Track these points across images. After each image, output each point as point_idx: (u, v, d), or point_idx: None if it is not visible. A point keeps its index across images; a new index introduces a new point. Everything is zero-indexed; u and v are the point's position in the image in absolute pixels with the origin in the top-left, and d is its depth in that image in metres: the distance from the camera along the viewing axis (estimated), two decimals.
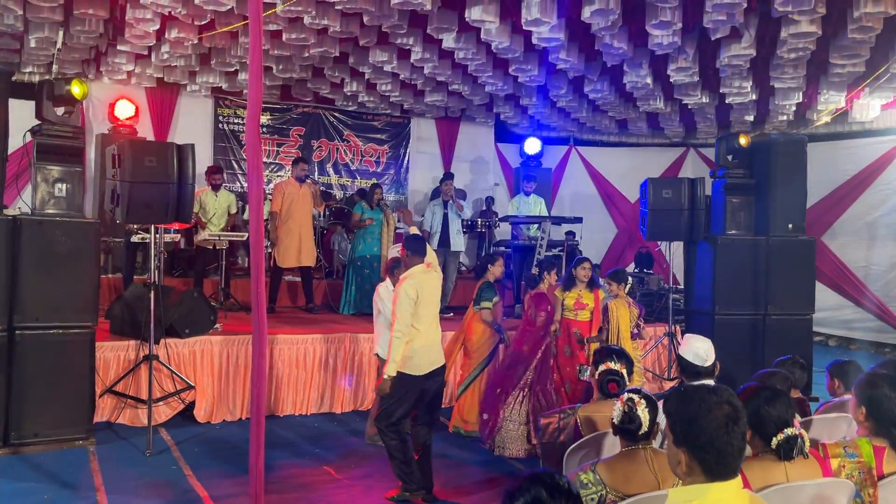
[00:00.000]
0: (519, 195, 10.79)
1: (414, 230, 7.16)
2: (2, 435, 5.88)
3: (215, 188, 9.67)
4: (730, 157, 8.22)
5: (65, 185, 6.25)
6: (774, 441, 2.81)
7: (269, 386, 7.21)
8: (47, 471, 5.61)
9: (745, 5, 7.08)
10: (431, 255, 5.51)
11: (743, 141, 7.99)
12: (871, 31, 7.66)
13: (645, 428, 3.03)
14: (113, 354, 6.76)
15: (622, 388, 3.89)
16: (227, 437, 6.70)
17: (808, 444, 2.86)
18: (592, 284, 6.98)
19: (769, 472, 2.80)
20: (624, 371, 4.08)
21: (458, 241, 9.95)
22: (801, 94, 10.43)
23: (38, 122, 6.22)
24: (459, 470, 6.05)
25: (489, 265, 7.09)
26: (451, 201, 9.89)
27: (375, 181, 12.44)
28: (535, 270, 8.01)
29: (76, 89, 6.06)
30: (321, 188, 11.11)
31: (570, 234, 11.70)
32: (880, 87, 10.15)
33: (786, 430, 2.80)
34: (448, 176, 10.43)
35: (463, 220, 10.23)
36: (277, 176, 12.59)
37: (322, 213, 10.93)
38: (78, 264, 6.10)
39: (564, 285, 7.01)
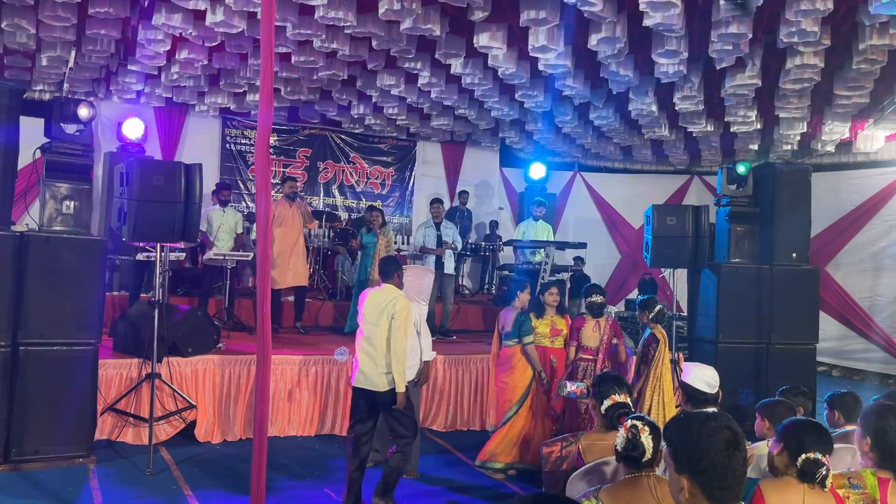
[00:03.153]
0: (528, 220, 10.79)
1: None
2: (2, 451, 5.86)
3: (223, 204, 9.70)
4: (734, 186, 8.26)
5: (73, 202, 6.29)
6: (801, 458, 2.83)
7: (271, 407, 7.19)
8: (47, 488, 5.59)
9: (751, 36, 7.14)
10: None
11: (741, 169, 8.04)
12: (877, 63, 7.72)
13: (648, 455, 3.02)
14: (115, 372, 6.75)
15: None
16: (228, 457, 6.67)
17: (829, 478, 2.86)
18: (562, 310, 6.88)
19: (787, 495, 2.80)
20: (628, 400, 4.06)
21: (450, 264, 9.95)
22: (805, 124, 10.49)
23: (47, 139, 6.28)
24: (463, 495, 6.02)
25: (519, 292, 6.66)
26: (443, 223, 9.97)
27: (379, 203, 12.48)
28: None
29: (83, 112, 6.14)
30: (311, 207, 11.08)
31: (578, 258, 11.70)
32: (885, 119, 10.21)
33: (816, 452, 2.81)
34: (437, 200, 10.42)
35: (457, 245, 10.15)
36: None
37: (313, 231, 10.87)
38: (83, 281, 6.12)
39: (536, 312, 6.81)
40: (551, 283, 7.05)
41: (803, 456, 2.83)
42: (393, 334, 5.27)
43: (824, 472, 2.82)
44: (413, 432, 5.48)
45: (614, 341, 6.56)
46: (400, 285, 5.56)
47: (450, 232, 9.98)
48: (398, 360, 5.25)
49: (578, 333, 6.66)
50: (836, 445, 4.17)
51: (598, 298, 6.66)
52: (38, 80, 10.08)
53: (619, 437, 3.08)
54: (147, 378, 6.39)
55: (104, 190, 10.33)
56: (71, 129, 6.26)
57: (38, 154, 6.28)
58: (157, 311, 6.23)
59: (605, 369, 6.25)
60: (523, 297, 6.67)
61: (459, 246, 10.30)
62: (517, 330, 6.56)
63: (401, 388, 5.27)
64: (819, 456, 2.83)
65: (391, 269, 5.55)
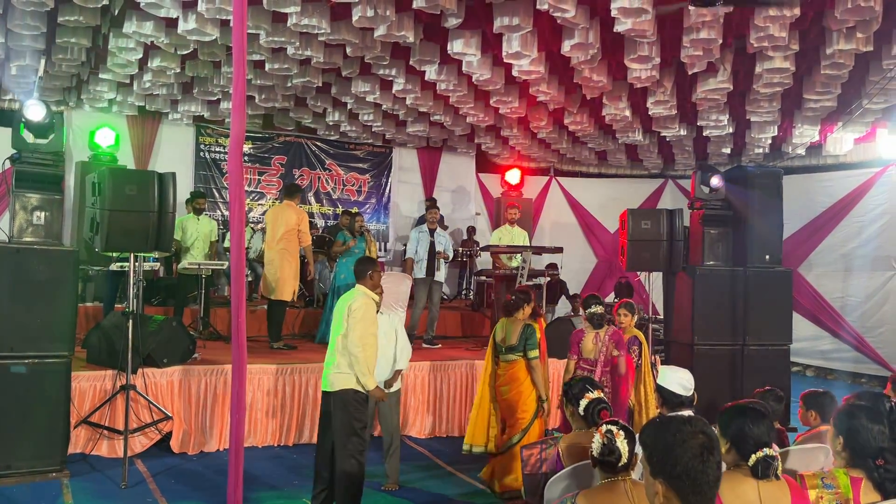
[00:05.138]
0: (504, 226, 10.79)
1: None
2: None
3: (197, 212, 9.63)
4: (707, 189, 8.34)
5: (43, 212, 6.20)
6: (753, 458, 2.85)
7: (248, 417, 7.13)
8: None
9: (721, 41, 7.23)
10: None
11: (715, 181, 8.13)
12: (844, 67, 7.85)
13: (624, 459, 3.04)
14: (89, 384, 6.66)
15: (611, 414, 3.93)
16: (204, 468, 6.60)
17: (780, 468, 2.91)
18: (535, 314, 6.55)
19: (740, 488, 2.83)
20: (602, 395, 4.10)
21: (442, 271, 9.93)
22: (776, 127, 10.64)
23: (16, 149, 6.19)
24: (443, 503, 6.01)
25: (525, 304, 6.16)
26: (437, 230, 9.91)
27: (356, 210, 12.45)
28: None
29: (32, 112, 5.99)
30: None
31: (552, 265, 11.72)
32: (853, 122, 10.38)
33: (764, 449, 2.84)
34: (433, 203, 10.41)
35: (448, 255, 10.13)
36: (259, 204, 12.58)
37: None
38: (55, 293, 6.02)
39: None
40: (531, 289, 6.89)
41: (753, 457, 2.85)
42: (349, 331, 5.10)
43: (776, 465, 2.86)
44: (356, 447, 5.18)
45: (614, 353, 6.20)
46: (371, 286, 5.35)
47: (443, 240, 9.91)
48: (358, 360, 5.06)
49: (579, 346, 6.34)
50: (809, 445, 4.24)
51: (598, 309, 6.29)
52: (7, 90, 9.95)
53: (595, 441, 3.10)
54: (121, 390, 6.31)
55: (76, 200, 10.20)
56: (33, 136, 6.16)
57: (8, 164, 6.19)
58: (131, 321, 6.16)
59: (604, 382, 6.04)
60: (527, 310, 6.21)
61: (451, 255, 10.26)
62: (523, 343, 6.07)
63: (370, 386, 5.13)
64: (768, 451, 2.85)
65: (364, 269, 5.39)
